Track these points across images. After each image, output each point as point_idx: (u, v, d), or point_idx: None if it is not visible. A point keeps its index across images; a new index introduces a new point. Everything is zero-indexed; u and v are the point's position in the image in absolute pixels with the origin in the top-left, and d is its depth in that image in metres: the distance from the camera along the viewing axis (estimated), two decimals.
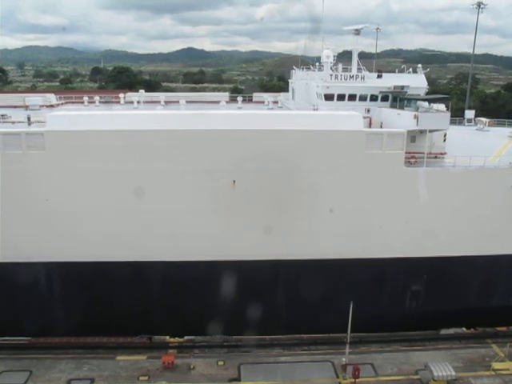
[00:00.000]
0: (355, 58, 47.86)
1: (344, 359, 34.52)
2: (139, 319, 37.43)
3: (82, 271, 36.24)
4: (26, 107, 52.41)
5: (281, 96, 58.26)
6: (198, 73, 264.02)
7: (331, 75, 45.16)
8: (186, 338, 39.70)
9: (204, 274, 36.48)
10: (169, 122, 35.56)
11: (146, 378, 34.54)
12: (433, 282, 39.19)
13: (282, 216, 35.94)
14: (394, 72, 49.29)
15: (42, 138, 34.54)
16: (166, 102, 55.30)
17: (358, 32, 48.04)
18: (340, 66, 47.54)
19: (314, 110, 43.92)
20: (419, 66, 47.23)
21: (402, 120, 38.96)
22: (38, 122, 39.40)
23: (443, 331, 41.38)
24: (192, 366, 35.74)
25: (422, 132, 38.28)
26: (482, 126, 55.83)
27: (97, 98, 55.77)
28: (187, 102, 51.26)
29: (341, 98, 43.79)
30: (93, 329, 38.03)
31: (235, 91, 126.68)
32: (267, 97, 56.92)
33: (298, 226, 36.45)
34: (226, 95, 62.22)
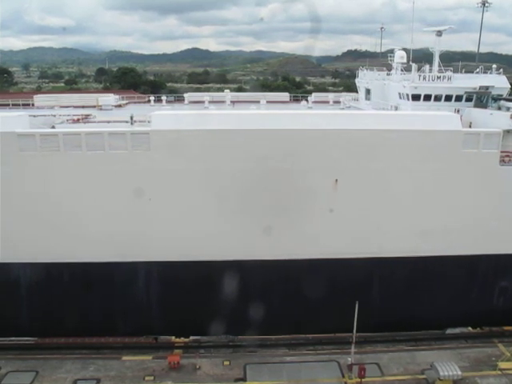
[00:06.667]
0: (437, 59, 48.43)
1: (350, 359, 34.38)
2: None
3: (183, 271, 36.46)
4: (100, 107, 54.29)
5: (344, 96, 58.72)
6: (202, 73, 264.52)
7: (420, 76, 45.41)
8: (191, 338, 39.61)
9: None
10: (278, 122, 35.53)
11: (152, 378, 34.54)
12: None
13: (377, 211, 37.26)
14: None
15: (148, 137, 34.42)
16: (233, 102, 56.54)
17: (440, 33, 48.62)
18: (427, 67, 47.87)
19: (395, 109, 44.55)
20: (494, 66, 47.82)
21: (495, 120, 39.34)
22: (142, 121, 39.17)
23: (449, 330, 41.20)
24: (198, 366, 35.73)
25: (509, 132, 38.52)
26: None
27: (164, 97, 58.42)
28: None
29: (427, 98, 44.18)
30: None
31: (240, 91, 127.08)
32: (333, 97, 58.68)
33: (402, 222, 37.62)
34: (286, 95, 64.58)
